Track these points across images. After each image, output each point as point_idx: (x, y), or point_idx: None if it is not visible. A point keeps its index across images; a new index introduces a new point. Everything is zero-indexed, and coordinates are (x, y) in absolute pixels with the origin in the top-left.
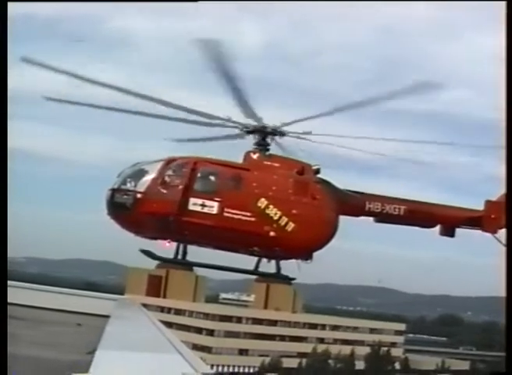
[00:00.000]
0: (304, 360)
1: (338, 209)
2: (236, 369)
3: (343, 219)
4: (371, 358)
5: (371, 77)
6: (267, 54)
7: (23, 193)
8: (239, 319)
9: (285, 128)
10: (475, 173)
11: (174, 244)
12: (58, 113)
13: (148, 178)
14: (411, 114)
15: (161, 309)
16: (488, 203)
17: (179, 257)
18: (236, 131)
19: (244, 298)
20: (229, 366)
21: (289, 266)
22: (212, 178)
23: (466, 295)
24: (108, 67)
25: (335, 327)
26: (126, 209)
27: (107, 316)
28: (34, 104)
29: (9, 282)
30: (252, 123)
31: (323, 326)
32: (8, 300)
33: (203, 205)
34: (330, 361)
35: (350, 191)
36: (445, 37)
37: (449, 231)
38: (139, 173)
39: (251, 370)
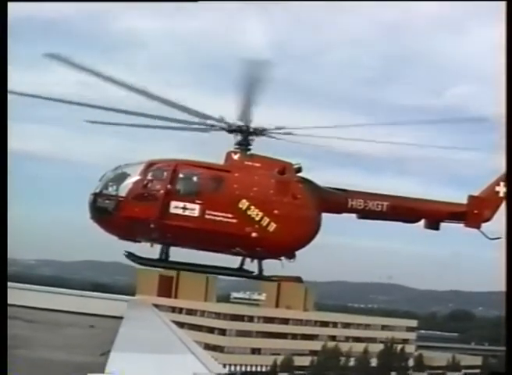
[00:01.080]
0: (316, 358)
1: (320, 207)
2: (248, 369)
3: (354, 218)
4: (384, 355)
5: (376, 74)
6: (271, 52)
7: (32, 195)
8: (250, 318)
9: (266, 127)
10: (480, 167)
11: (158, 247)
12: (65, 114)
13: (129, 182)
14: (418, 109)
15: (173, 310)
16: (471, 198)
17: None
18: (218, 129)
19: (255, 296)
20: (241, 365)
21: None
22: (193, 181)
23: (477, 290)
24: (112, 66)
25: (346, 325)
26: (109, 214)
27: (119, 318)
28: (39, 105)
29: (21, 285)
30: (236, 122)
31: (335, 324)
32: (21, 302)
33: (184, 208)
34: (342, 358)
35: (331, 188)
36: (451, 33)
37: (433, 225)
38: (121, 177)
39: (264, 369)
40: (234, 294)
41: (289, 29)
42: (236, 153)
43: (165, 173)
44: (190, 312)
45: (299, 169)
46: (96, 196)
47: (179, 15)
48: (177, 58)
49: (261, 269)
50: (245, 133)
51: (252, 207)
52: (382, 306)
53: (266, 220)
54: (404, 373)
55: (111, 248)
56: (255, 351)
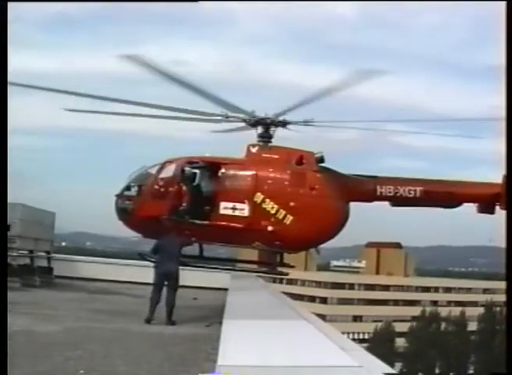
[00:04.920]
0: (419, 323)
1: (345, 197)
2: (351, 336)
3: None
4: (485, 318)
5: (468, 37)
6: (363, 20)
7: None
8: (351, 286)
9: (287, 118)
10: None
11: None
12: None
13: (148, 182)
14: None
15: (274, 280)
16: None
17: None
18: (239, 125)
19: (355, 264)
20: (343, 333)
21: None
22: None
23: None
24: (205, 44)
25: (447, 289)
26: (128, 214)
27: (221, 289)
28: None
29: (125, 261)
30: (252, 115)
31: (436, 289)
32: (127, 278)
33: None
34: (444, 323)
35: (359, 175)
36: None
37: (486, 209)
38: (141, 177)
39: (366, 337)
40: (334, 263)
41: None
42: (254, 146)
43: (178, 171)
44: (291, 281)
45: (321, 159)
46: (118, 197)
47: None
48: (266, 31)
49: (282, 263)
50: (266, 126)
51: (267, 200)
52: (484, 269)
53: (282, 213)
54: (505, 336)
55: None
56: (357, 318)
